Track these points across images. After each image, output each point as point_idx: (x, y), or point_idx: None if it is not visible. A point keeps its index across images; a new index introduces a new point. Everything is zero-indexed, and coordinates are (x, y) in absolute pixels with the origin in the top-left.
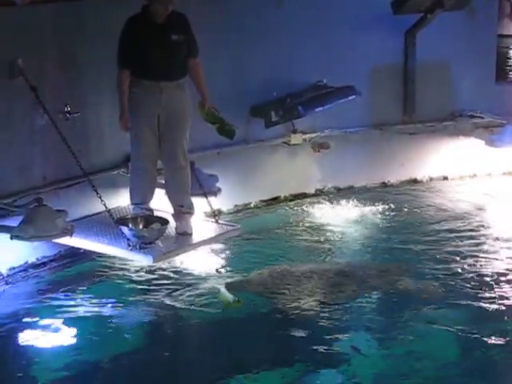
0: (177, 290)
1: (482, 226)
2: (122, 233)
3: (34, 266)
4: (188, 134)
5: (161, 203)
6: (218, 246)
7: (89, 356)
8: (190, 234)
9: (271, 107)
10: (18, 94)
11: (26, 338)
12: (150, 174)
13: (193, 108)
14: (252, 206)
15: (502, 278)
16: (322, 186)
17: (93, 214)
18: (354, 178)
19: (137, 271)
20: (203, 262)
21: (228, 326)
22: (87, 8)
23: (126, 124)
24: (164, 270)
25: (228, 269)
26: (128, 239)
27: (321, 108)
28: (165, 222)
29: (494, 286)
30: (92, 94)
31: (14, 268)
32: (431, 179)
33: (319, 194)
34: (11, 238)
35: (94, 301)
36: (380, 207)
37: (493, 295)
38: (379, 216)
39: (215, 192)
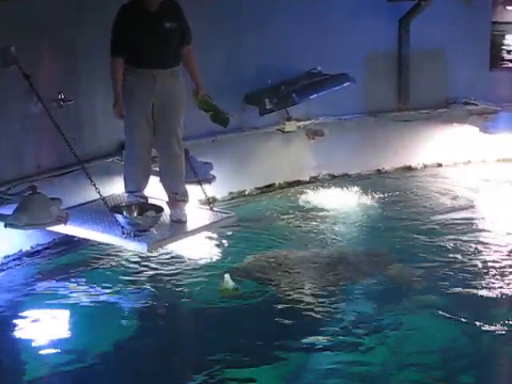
0: (171, 277)
1: (476, 212)
2: (117, 221)
3: (29, 254)
4: (182, 121)
5: (155, 191)
6: (213, 234)
7: (82, 343)
8: (185, 222)
9: (265, 95)
10: (12, 82)
11: (20, 325)
12: (144, 161)
13: (187, 96)
14: (246, 193)
15: (495, 265)
16: (317, 173)
17: (87, 202)
18: (348, 166)
19: (131, 259)
20: (198, 249)
21: (223, 314)
22: None
23: (119, 112)
24: (159, 257)
25: (223, 256)
26: (122, 227)
27: (315, 95)
28: (159, 209)
29: (487, 273)
30: (86, 82)
31: (8, 256)
32: (425, 166)
33: (314, 181)
34: (5, 226)
35: (88, 288)
36: (374, 194)
37: (485, 282)
38: (373, 203)
39: (210, 180)
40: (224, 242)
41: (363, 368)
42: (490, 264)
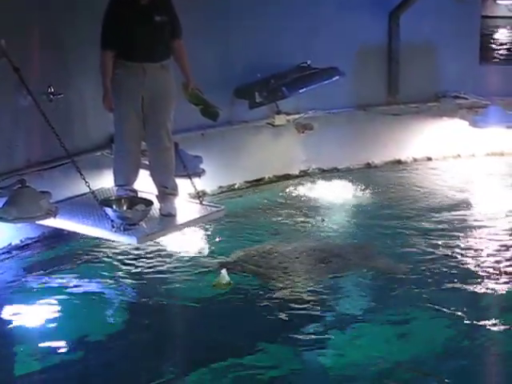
0: (160, 271)
1: (465, 206)
2: (106, 214)
3: (18, 247)
4: (172, 115)
5: (145, 184)
6: (202, 228)
7: (71, 336)
8: (175, 216)
9: (255, 88)
10: (1, 75)
11: (9, 319)
12: (133, 155)
13: (177, 89)
14: (236, 187)
15: (484, 259)
16: (306, 167)
17: (77, 196)
18: (337, 159)
19: (121, 253)
20: (187, 243)
21: (215, 307)
22: None
23: (109, 105)
24: (147, 251)
25: (213, 249)
26: (112, 220)
27: (305, 89)
28: (149, 203)
29: (476, 267)
30: (76, 76)
31: None
32: (415, 160)
33: (303, 175)
34: None
35: (78, 282)
36: (363, 188)
37: (474, 276)
38: (363, 197)
39: (199, 173)
40: (213, 235)
41: (357, 361)
42: (479, 258)
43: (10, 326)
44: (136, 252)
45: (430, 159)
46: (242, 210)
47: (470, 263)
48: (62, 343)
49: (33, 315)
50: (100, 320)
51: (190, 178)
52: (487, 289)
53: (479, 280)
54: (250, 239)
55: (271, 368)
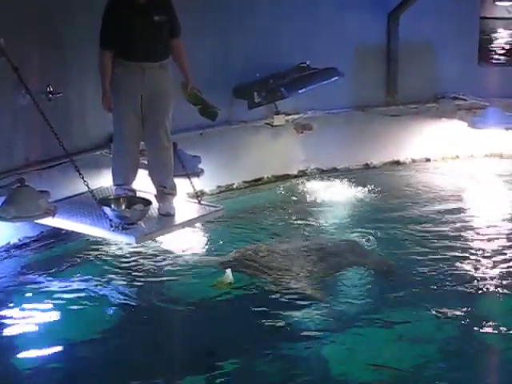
0: (158, 270)
1: (464, 207)
2: (105, 213)
3: (17, 246)
4: (171, 114)
5: (143, 184)
6: (201, 227)
7: (69, 335)
8: (173, 215)
9: (254, 88)
10: (0, 74)
11: (7, 317)
12: (132, 154)
13: (175, 89)
14: (235, 187)
15: (482, 260)
16: (305, 167)
17: (75, 195)
18: (336, 160)
19: (119, 252)
20: (185, 243)
21: (212, 307)
22: None
23: (108, 105)
24: (147, 250)
25: (211, 249)
26: (110, 220)
27: (304, 89)
28: (147, 202)
29: (474, 266)
30: (75, 75)
31: None
32: (414, 161)
33: (302, 175)
34: None
35: (76, 281)
36: (362, 188)
37: (470, 274)
38: (361, 197)
39: (198, 173)
40: (212, 235)
41: (353, 361)
42: (478, 260)
43: (7, 324)
44: (134, 251)
45: (428, 160)
46: (241, 209)
47: (469, 264)
48: (58, 343)
49: (30, 314)
50: (98, 320)
51: (189, 178)
52: (486, 291)
53: (478, 282)
54: (248, 239)
55: (270, 368)
